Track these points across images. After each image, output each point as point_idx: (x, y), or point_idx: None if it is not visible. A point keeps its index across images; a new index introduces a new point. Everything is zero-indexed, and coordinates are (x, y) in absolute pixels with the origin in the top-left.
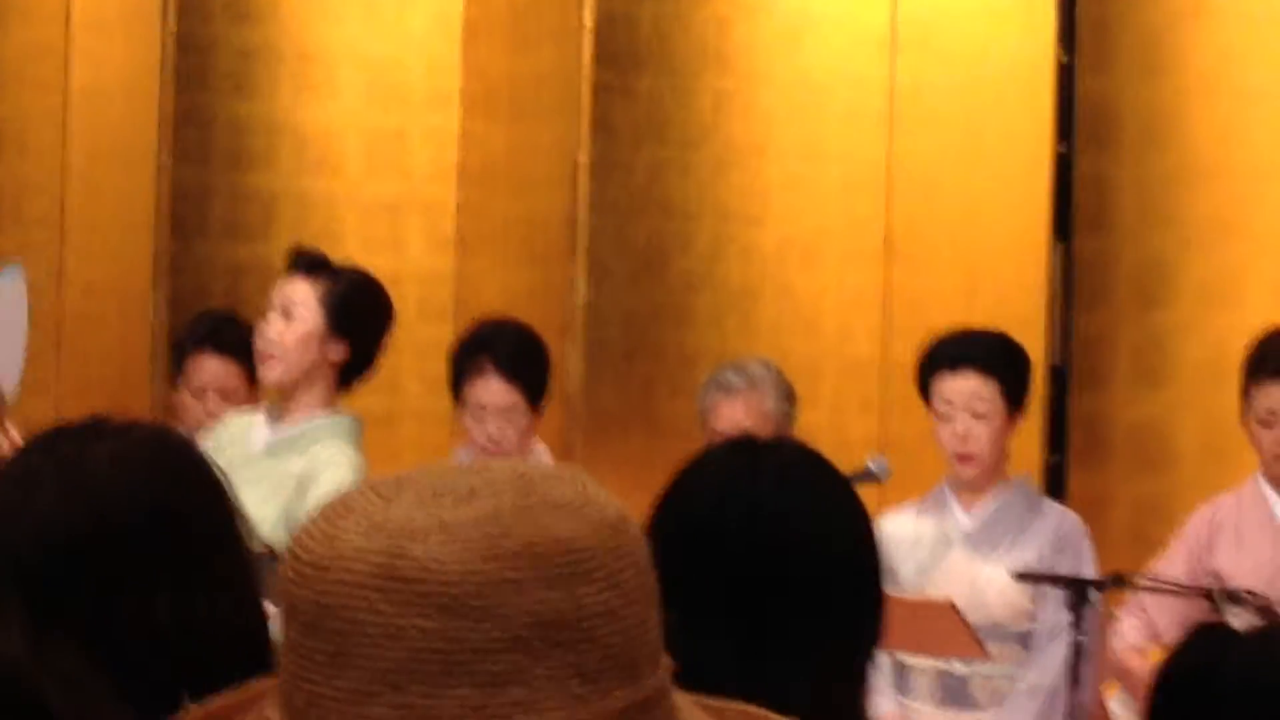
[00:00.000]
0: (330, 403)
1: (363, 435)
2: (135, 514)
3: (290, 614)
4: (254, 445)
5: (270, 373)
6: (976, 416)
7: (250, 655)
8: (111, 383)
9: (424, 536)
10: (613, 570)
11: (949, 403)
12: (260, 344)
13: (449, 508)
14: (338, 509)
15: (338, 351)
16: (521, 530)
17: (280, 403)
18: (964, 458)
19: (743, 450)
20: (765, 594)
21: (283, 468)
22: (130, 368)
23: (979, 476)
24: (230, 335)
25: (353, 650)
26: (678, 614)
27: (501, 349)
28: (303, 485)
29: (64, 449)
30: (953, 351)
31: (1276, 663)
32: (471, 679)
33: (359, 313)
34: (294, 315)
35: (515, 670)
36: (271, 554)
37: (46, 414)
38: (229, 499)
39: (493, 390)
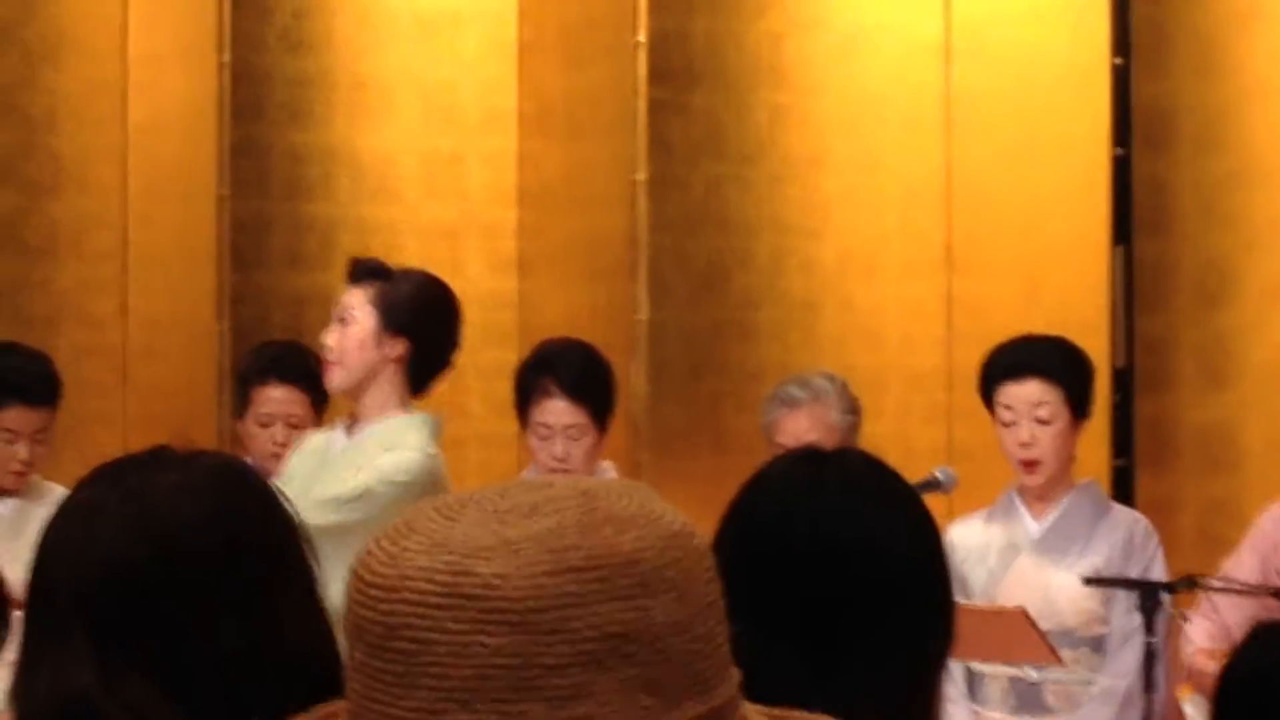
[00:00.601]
0: (404, 403)
1: (442, 433)
2: (200, 543)
3: (357, 635)
4: (333, 452)
5: (333, 380)
6: (1040, 423)
7: (318, 680)
8: (177, 415)
9: (488, 554)
10: (678, 583)
11: (1012, 410)
12: (324, 355)
13: (512, 524)
14: (401, 530)
15: (396, 348)
16: (586, 545)
17: (353, 413)
18: (1029, 464)
19: (807, 462)
20: (833, 605)
21: (366, 455)
22: (196, 399)
23: (1045, 483)
24: (294, 364)
25: (420, 670)
26: (746, 627)
27: (565, 369)
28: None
29: (128, 480)
30: (1014, 359)
31: None
32: (540, 695)
33: (413, 308)
34: (349, 320)
35: (583, 685)
36: None
37: (114, 447)
38: (294, 525)
39: (558, 411)
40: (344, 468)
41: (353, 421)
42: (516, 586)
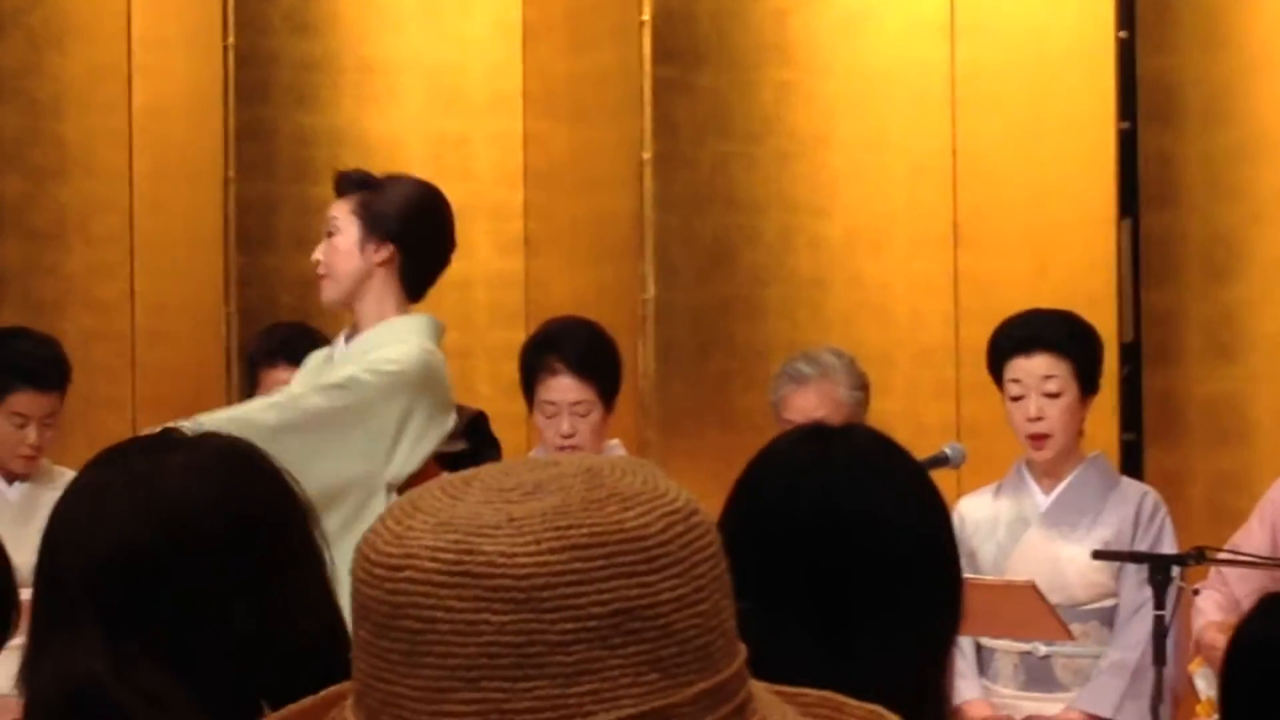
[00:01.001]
0: (401, 309)
1: (443, 335)
2: (209, 524)
3: (362, 615)
4: (335, 360)
5: (325, 293)
6: (1048, 396)
7: (329, 661)
8: (186, 398)
9: (493, 531)
10: (684, 559)
11: (1020, 384)
12: (316, 271)
13: (517, 502)
14: (405, 508)
15: (382, 254)
16: (591, 522)
17: (353, 323)
18: (1037, 438)
19: (813, 438)
20: (841, 581)
21: (364, 355)
22: (204, 382)
23: (1054, 457)
24: (302, 346)
25: (426, 648)
26: (753, 603)
27: (570, 346)
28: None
29: (136, 462)
30: (1022, 333)
31: None
32: (546, 672)
33: (397, 213)
34: (334, 232)
35: (590, 662)
36: None
37: (123, 431)
38: (303, 506)
39: (564, 388)
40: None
41: (353, 331)
42: (521, 564)
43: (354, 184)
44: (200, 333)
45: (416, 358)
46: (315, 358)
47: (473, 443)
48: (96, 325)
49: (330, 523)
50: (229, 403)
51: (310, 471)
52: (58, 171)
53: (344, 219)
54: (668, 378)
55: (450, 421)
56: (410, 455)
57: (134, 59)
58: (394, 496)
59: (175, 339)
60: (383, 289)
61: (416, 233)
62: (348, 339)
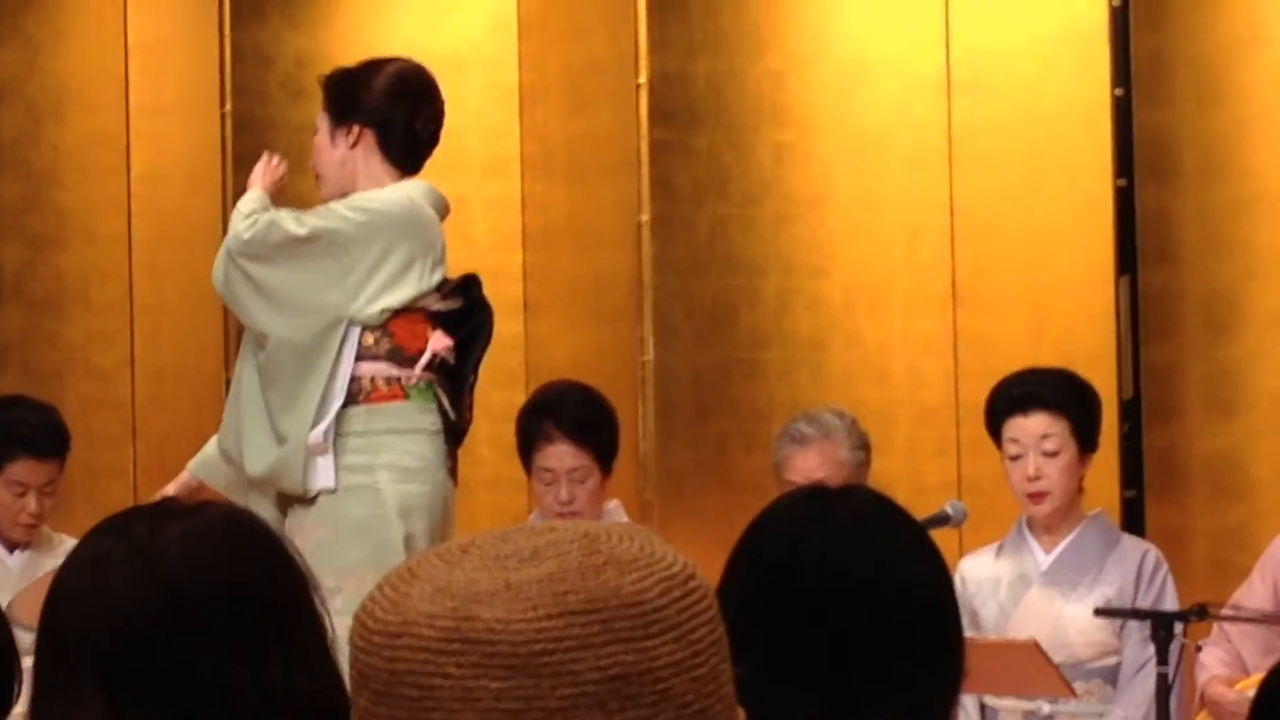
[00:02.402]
0: (389, 179)
1: (440, 203)
2: (209, 593)
3: (361, 682)
4: None
5: (322, 193)
6: (1046, 455)
7: None
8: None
9: (490, 598)
10: (681, 624)
11: (1018, 443)
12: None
13: (514, 568)
14: (404, 576)
15: (352, 136)
16: (586, 588)
17: None
18: (1035, 496)
19: (814, 499)
20: (842, 643)
21: None
22: None
23: (1053, 514)
24: None
25: (424, 715)
26: (754, 666)
27: (566, 413)
28: None
29: (136, 530)
30: (1020, 392)
31: None
32: None
33: (355, 93)
34: (315, 133)
35: None
36: None
37: (125, 499)
38: (303, 573)
39: (560, 455)
40: None
41: None
42: (518, 630)
43: (329, 83)
44: (201, 398)
45: (400, 201)
46: None
47: (465, 302)
48: (97, 393)
49: (296, 335)
50: None
51: (278, 288)
52: (57, 239)
53: (319, 119)
54: (668, 439)
55: (437, 276)
56: (381, 294)
57: (132, 126)
58: (361, 336)
59: (175, 405)
60: (368, 168)
61: (382, 107)
62: None
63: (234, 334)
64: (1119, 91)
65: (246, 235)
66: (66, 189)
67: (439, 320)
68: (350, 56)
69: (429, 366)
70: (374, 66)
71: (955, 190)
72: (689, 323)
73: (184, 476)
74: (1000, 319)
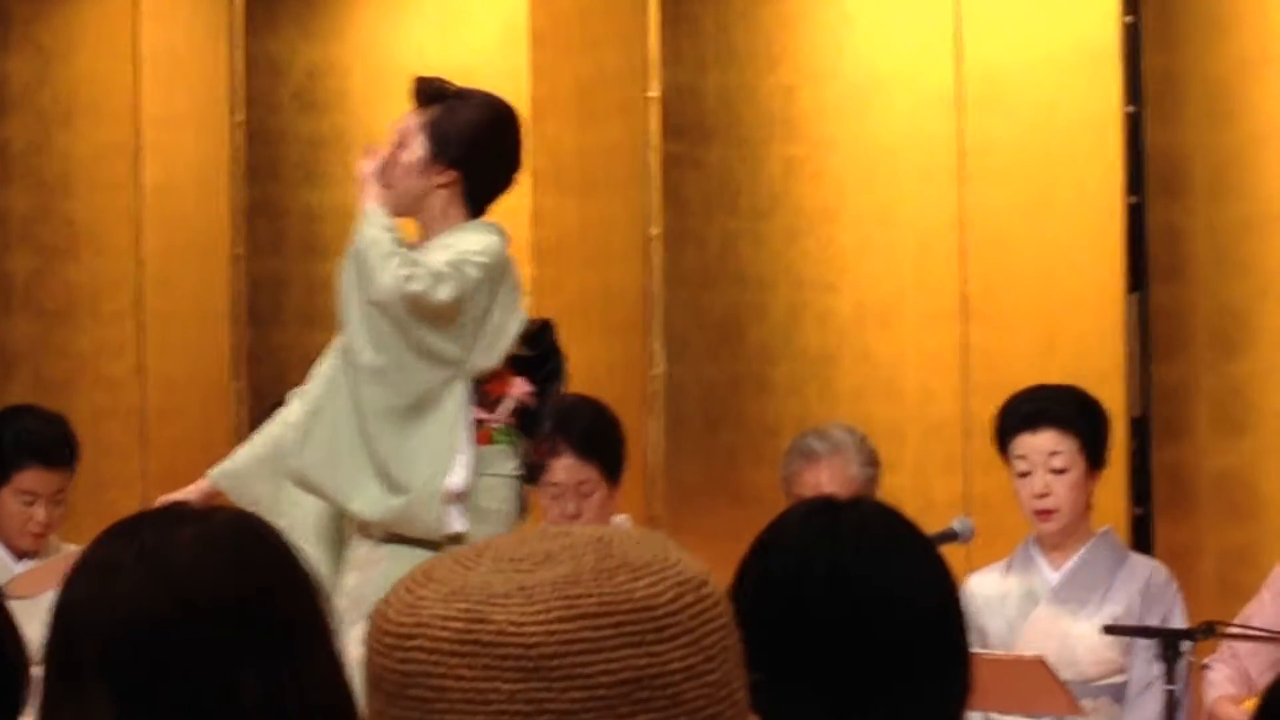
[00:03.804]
0: (465, 219)
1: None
2: (218, 599)
3: (374, 684)
4: None
5: (385, 200)
6: (1055, 473)
7: None
8: (196, 474)
9: (503, 600)
10: (694, 629)
11: (1027, 460)
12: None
13: (528, 571)
14: (418, 578)
15: (445, 178)
16: (599, 591)
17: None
18: (1043, 513)
19: (823, 511)
20: (850, 655)
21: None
22: (214, 458)
23: (1061, 532)
24: None
25: (437, 717)
26: (764, 675)
27: (574, 427)
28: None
29: (145, 536)
30: (1028, 409)
31: None
32: None
33: (461, 136)
34: (402, 144)
35: None
36: None
37: (133, 509)
38: (313, 580)
39: (567, 468)
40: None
41: (421, 240)
42: (531, 633)
43: (430, 96)
44: (209, 409)
45: (499, 250)
46: None
47: (540, 348)
48: (106, 403)
49: (414, 385)
50: None
51: (413, 344)
52: (67, 250)
53: (415, 134)
54: (677, 454)
55: (522, 321)
56: (491, 348)
57: (143, 137)
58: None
59: (184, 416)
60: (446, 206)
61: (481, 157)
62: (413, 247)
63: (243, 345)
64: (1131, 109)
65: (414, 289)
66: (77, 199)
67: (519, 365)
68: (363, 68)
69: (511, 411)
70: (486, 108)
71: (966, 206)
72: (699, 336)
73: (203, 484)
74: (1010, 335)
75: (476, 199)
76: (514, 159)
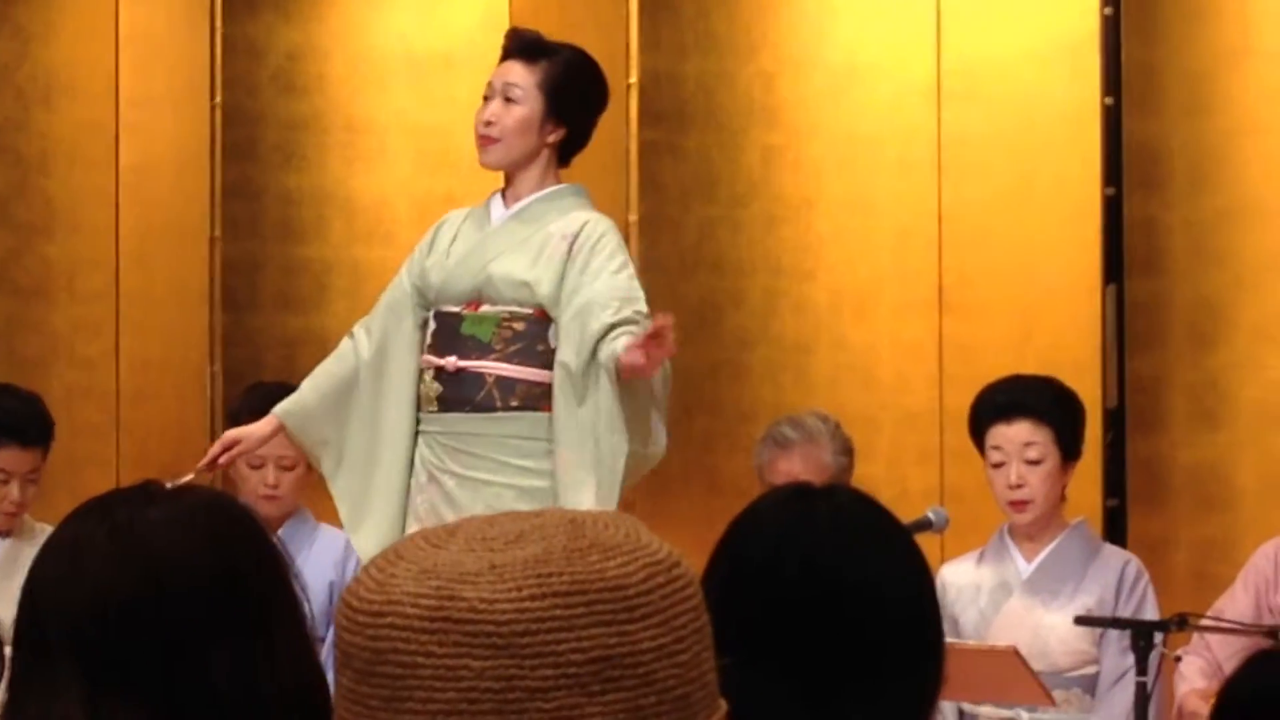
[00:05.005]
0: (556, 178)
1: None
2: (190, 577)
3: (345, 661)
4: (494, 222)
5: (490, 155)
6: (1029, 464)
7: (310, 712)
8: (170, 456)
9: (474, 578)
10: (665, 610)
11: (1001, 450)
12: (480, 127)
13: (499, 550)
14: (389, 557)
15: (557, 135)
16: (572, 570)
17: (507, 185)
18: (1017, 504)
19: (798, 498)
20: (823, 640)
21: (540, 229)
22: (188, 441)
23: (1035, 523)
24: None
25: (407, 694)
26: (736, 659)
27: None
28: (575, 243)
29: (116, 514)
30: (1002, 400)
31: None
32: (526, 718)
33: (578, 95)
34: (515, 100)
35: (569, 709)
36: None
37: (106, 488)
38: (284, 560)
39: None
40: (523, 244)
41: (509, 192)
42: (502, 610)
43: (536, 51)
44: (184, 391)
45: (612, 226)
46: (455, 217)
47: None
48: (81, 382)
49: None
50: None
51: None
52: (44, 228)
53: (529, 90)
54: None
55: None
56: None
57: (121, 117)
58: None
59: (159, 397)
60: (547, 163)
61: (588, 115)
62: (505, 202)
63: (219, 327)
64: (1109, 101)
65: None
66: (55, 178)
67: None
68: (342, 51)
69: None
70: (591, 65)
71: (944, 196)
72: (675, 323)
73: (270, 422)
74: (986, 326)
75: (568, 152)
76: (600, 114)
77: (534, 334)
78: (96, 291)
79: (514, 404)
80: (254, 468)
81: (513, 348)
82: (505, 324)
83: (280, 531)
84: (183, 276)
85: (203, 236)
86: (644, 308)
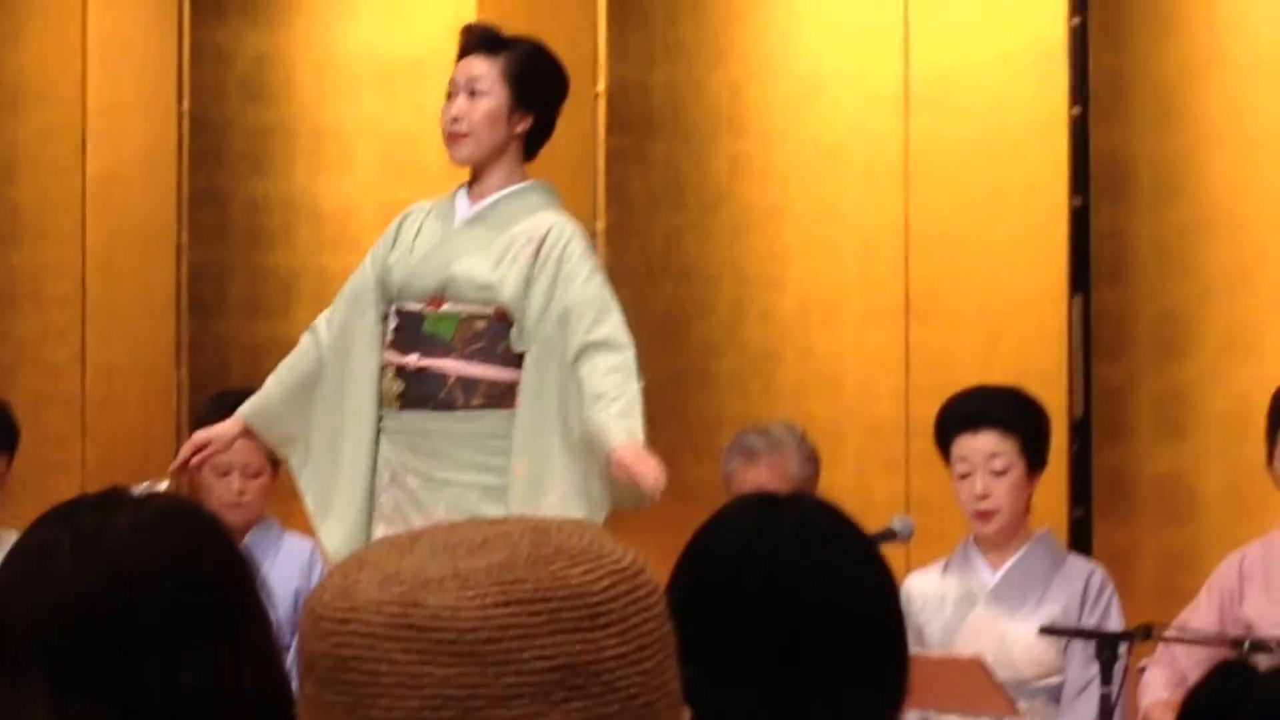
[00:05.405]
0: (522, 174)
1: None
2: (155, 583)
3: (308, 668)
4: (458, 219)
5: (461, 151)
6: (995, 474)
7: (274, 718)
8: (135, 463)
9: (438, 585)
10: (628, 618)
11: (967, 461)
12: (447, 125)
13: (463, 557)
14: (353, 564)
15: (524, 124)
16: (534, 577)
17: (474, 181)
18: (983, 514)
19: (763, 506)
20: (787, 649)
21: (504, 230)
22: (153, 448)
23: (1001, 533)
24: None
25: (370, 701)
26: (700, 668)
27: None
28: (542, 248)
29: (82, 520)
30: (969, 410)
31: None
32: None
33: (542, 81)
34: (480, 93)
35: (532, 717)
36: None
37: (72, 495)
38: (250, 567)
39: None
40: (486, 246)
41: (474, 188)
42: (465, 618)
43: (495, 44)
44: (150, 398)
45: (579, 229)
46: (422, 209)
47: None
48: (47, 389)
49: None
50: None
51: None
52: (10, 235)
53: (492, 81)
54: None
55: None
56: None
57: (88, 123)
58: None
59: (125, 404)
60: (514, 155)
61: (553, 103)
62: (471, 198)
63: (185, 334)
64: (1076, 110)
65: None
66: (21, 185)
67: None
68: (310, 58)
69: None
70: (549, 53)
71: (911, 205)
72: (641, 331)
73: (234, 423)
74: (953, 335)
75: (534, 144)
76: (564, 102)
77: (495, 333)
78: (63, 298)
79: (476, 403)
80: (220, 475)
81: (474, 346)
82: (467, 323)
83: (246, 539)
84: (149, 283)
85: (170, 243)
86: (618, 316)
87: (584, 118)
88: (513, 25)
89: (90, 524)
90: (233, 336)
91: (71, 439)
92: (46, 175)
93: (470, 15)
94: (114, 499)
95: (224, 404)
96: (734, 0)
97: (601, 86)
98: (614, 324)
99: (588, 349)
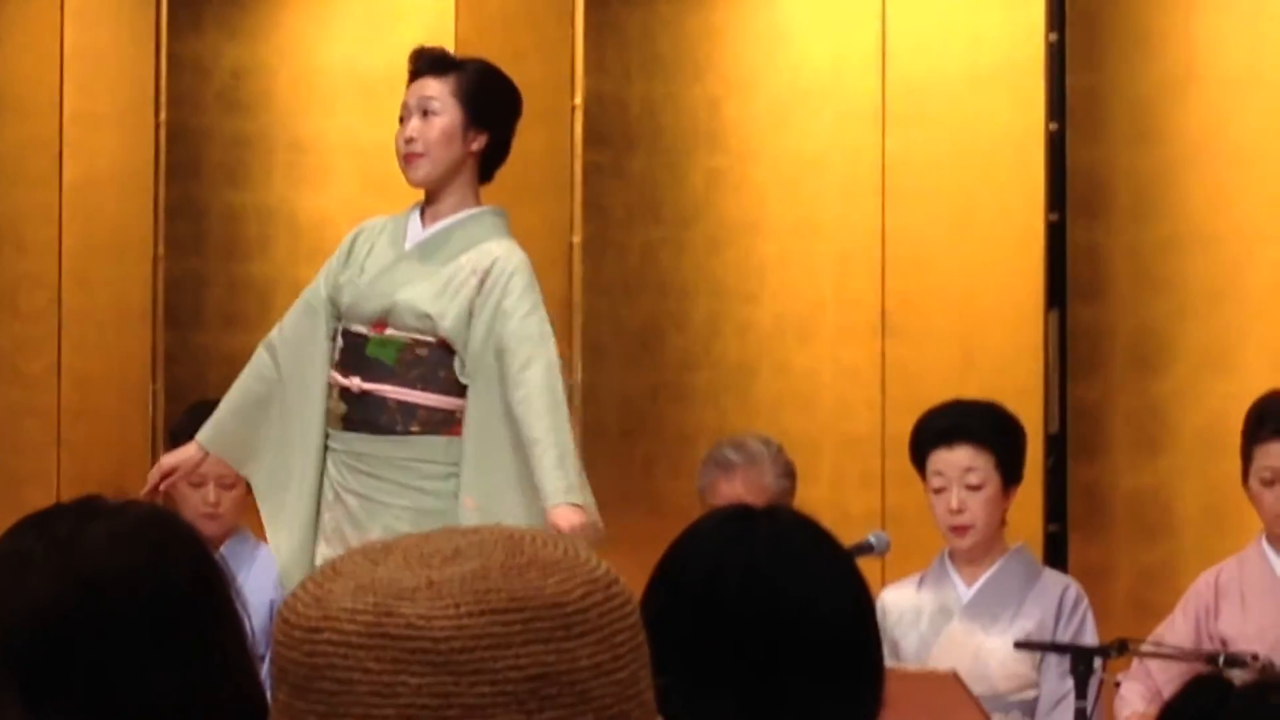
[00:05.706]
0: (476, 197)
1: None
2: (130, 592)
3: (281, 676)
4: (409, 242)
5: (417, 172)
6: (970, 489)
7: None
8: (111, 474)
9: (411, 594)
10: (603, 628)
11: (942, 476)
12: (402, 146)
13: (436, 567)
14: (327, 573)
15: (479, 142)
16: (510, 587)
17: (429, 201)
18: (958, 529)
19: (738, 518)
20: (761, 661)
21: (450, 259)
22: (129, 459)
23: (976, 547)
24: None
25: (344, 710)
26: (675, 679)
27: None
28: (486, 280)
29: (57, 528)
30: (943, 425)
31: (1272, 714)
32: None
33: (494, 99)
34: (432, 110)
35: None
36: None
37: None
38: (225, 576)
39: None
40: (431, 276)
41: (428, 210)
42: (440, 627)
43: (445, 65)
44: (126, 409)
45: (526, 261)
46: (376, 226)
47: None
48: (22, 400)
49: None
50: None
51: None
52: None
53: (445, 101)
54: (593, 462)
55: None
56: None
57: (65, 134)
58: None
59: (101, 415)
60: (469, 176)
61: (507, 121)
62: (422, 219)
63: (162, 345)
64: (1053, 126)
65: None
66: None
67: None
68: (287, 69)
69: None
70: (500, 72)
71: (887, 220)
72: (618, 345)
73: (192, 447)
74: (929, 350)
75: (489, 166)
76: (518, 122)
77: (436, 360)
78: (39, 309)
79: (414, 429)
80: (195, 486)
81: (414, 372)
82: (409, 349)
83: (221, 550)
84: (125, 294)
85: (146, 254)
86: (552, 347)
87: (561, 132)
88: (491, 40)
89: (65, 532)
90: (209, 347)
91: (47, 449)
92: (23, 186)
93: (448, 29)
94: (90, 507)
95: (200, 414)
96: (711, 15)
97: (578, 100)
98: (545, 364)
99: (519, 387)
